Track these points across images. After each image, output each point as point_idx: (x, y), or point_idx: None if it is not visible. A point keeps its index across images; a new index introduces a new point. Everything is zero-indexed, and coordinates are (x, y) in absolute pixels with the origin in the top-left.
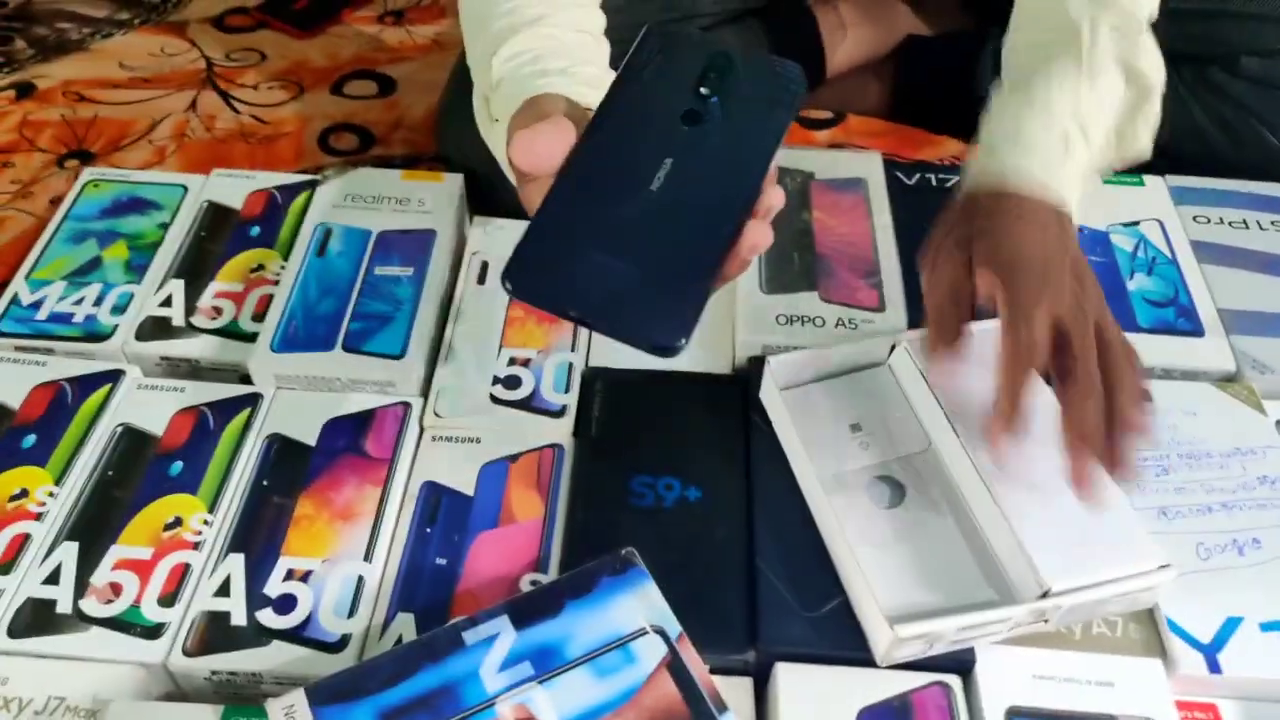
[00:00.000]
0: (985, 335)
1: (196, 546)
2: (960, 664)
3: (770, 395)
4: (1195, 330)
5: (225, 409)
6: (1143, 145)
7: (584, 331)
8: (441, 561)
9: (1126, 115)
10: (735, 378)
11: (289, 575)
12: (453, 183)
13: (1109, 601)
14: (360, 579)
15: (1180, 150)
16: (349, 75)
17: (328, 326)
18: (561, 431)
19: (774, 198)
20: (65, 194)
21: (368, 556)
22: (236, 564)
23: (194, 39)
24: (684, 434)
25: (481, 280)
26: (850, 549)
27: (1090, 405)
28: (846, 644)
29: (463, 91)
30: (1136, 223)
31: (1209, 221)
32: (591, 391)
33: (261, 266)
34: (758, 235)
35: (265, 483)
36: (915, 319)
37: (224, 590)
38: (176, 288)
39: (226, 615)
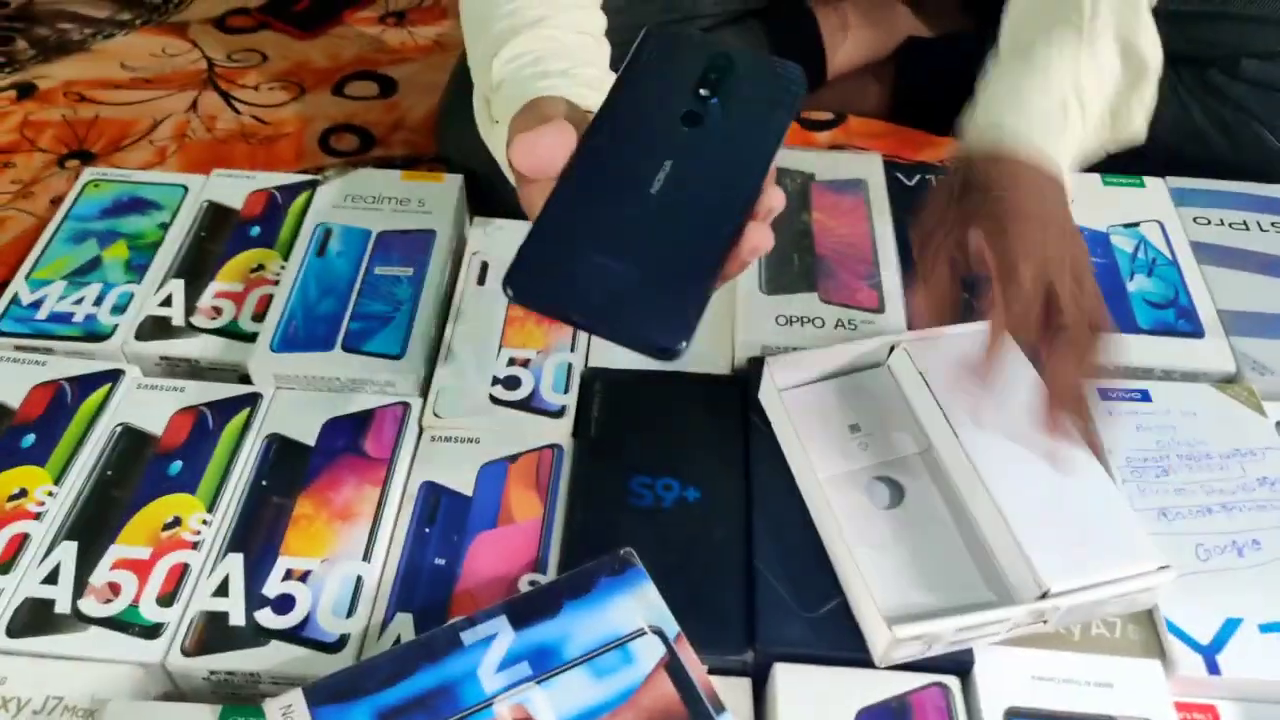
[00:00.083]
0: (980, 338)
1: (195, 546)
2: (959, 665)
3: (769, 396)
4: (1195, 331)
5: (225, 409)
6: (1137, 127)
7: (583, 332)
8: (440, 562)
9: (1122, 95)
10: (734, 378)
11: (288, 575)
12: (453, 183)
13: (1108, 602)
14: (359, 579)
15: (1180, 152)
16: (350, 76)
17: (327, 327)
18: (560, 432)
19: (774, 199)
20: (66, 194)
21: (366, 556)
22: (235, 564)
23: (195, 39)
24: (683, 434)
25: (481, 281)
26: (849, 549)
27: (1071, 360)
28: (845, 645)
29: (463, 93)
30: (1136, 224)
31: (1209, 223)
32: (591, 392)
33: (261, 266)
34: (758, 237)
35: (264, 483)
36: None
37: (222, 590)
38: (176, 288)
39: (225, 615)
